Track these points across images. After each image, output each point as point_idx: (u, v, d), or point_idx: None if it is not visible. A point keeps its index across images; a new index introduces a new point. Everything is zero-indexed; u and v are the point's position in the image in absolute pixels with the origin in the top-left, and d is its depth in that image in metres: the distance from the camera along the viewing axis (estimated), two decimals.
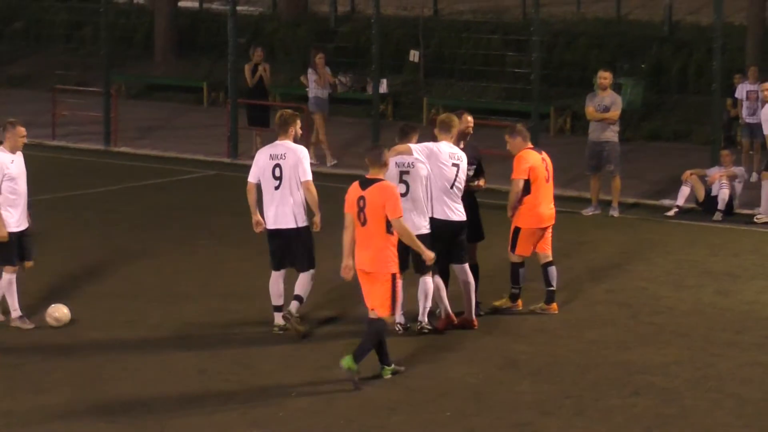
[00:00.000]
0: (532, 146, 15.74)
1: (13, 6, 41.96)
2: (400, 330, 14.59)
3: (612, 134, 21.32)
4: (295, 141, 14.76)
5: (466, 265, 14.92)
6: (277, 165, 14.52)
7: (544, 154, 15.66)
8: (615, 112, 21.21)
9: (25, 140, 14.85)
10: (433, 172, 14.58)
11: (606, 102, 21.25)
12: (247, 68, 26.79)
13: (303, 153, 14.67)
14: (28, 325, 14.63)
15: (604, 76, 21.46)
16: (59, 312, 14.78)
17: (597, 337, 14.72)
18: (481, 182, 15.50)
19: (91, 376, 13.21)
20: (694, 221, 20.86)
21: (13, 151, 14.68)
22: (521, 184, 15.32)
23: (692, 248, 19.00)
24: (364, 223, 13.18)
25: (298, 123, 14.80)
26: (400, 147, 14.52)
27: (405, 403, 12.52)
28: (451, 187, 14.70)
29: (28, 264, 14.96)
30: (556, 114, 29.37)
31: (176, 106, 33.36)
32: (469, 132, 15.44)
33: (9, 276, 14.65)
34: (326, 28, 36.96)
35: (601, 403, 12.57)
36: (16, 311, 14.72)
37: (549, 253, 15.64)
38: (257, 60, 26.77)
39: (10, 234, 14.57)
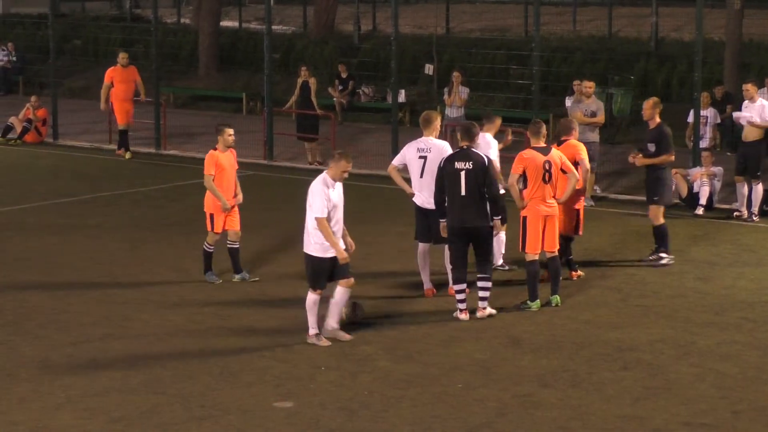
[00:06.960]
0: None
1: (74, 25, 42.12)
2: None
3: (595, 135, 21.37)
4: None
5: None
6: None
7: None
8: (602, 117, 21.33)
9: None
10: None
11: (592, 108, 21.35)
12: (298, 84, 26.46)
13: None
14: (324, 343, 13.57)
15: (589, 85, 21.63)
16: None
17: (591, 317, 14.67)
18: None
19: (142, 354, 13.20)
20: (678, 215, 20.75)
21: (334, 179, 13.45)
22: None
23: (676, 239, 18.88)
24: (549, 180, 14.68)
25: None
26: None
27: (420, 376, 12.50)
28: (421, 176, 15.04)
29: (350, 281, 13.69)
30: (554, 120, 29.24)
31: (218, 114, 33.26)
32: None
33: (314, 297, 13.61)
34: (350, 45, 36.92)
35: (594, 376, 12.53)
36: (313, 329, 13.64)
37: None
38: (303, 77, 26.31)
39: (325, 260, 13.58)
